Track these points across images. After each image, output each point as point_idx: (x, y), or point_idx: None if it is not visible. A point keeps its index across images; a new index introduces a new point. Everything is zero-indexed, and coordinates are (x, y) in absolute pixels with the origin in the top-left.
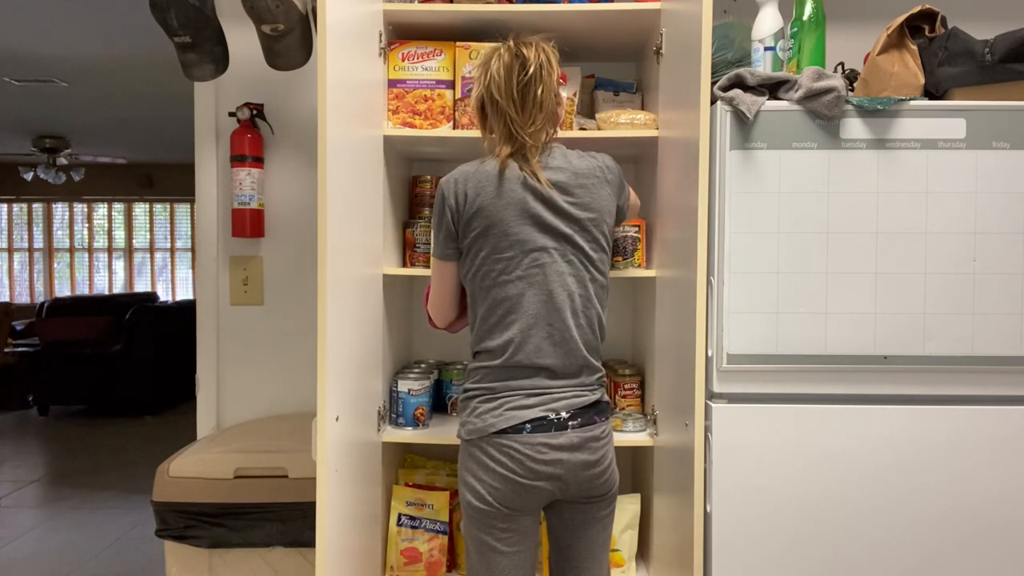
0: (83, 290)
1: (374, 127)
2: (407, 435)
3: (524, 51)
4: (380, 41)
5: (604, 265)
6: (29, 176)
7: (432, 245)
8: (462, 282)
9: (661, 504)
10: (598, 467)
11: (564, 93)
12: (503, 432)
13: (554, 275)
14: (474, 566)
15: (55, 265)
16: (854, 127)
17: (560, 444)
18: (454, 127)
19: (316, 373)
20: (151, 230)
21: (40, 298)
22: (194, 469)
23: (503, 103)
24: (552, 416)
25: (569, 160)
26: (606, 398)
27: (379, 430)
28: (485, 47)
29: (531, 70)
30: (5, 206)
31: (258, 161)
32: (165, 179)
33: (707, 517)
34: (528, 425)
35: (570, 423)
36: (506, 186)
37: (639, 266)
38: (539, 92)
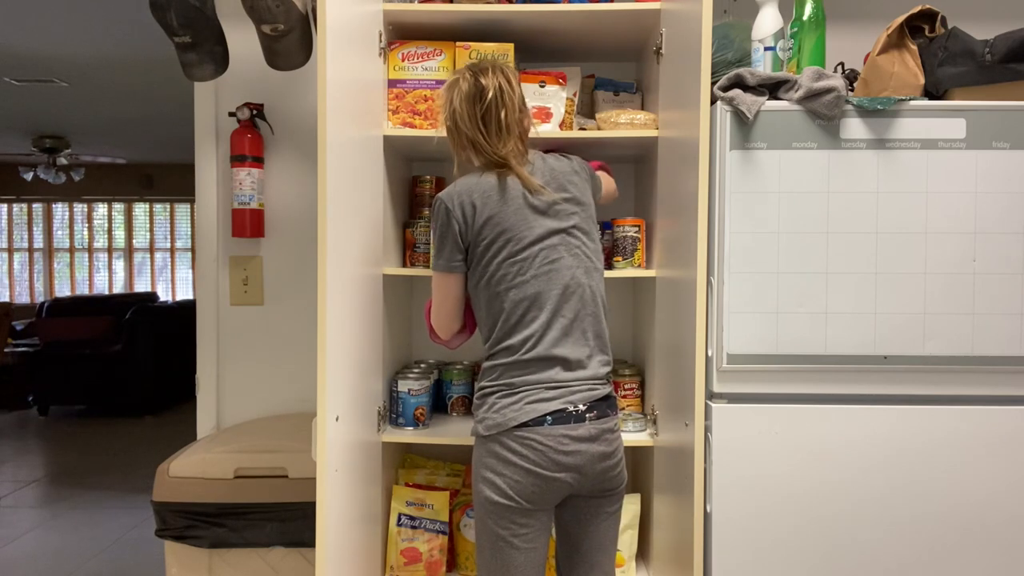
0: (83, 290)
1: (374, 127)
2: (407, 435)
3: (481, 80)
4: (380, 41)
5: (600, 256)
6: (29, 176)
7: (434, 260)
8: (470, 291)
9: (661, 504)
10: (613, 459)
11: (564, 93)
12: (524, 425)
13: (565, 269)
14: (487, 563)
15: (55, 265)
16: (854, 127)
17: (579, 435)
18: None
19: (316, 373)
20: (151, 230)
21: (40, 298)
22: (194, 469)
23: (470, 133)
24: (571, 408)
25: (548, 164)
26: (613, 392)
27: (379, 430)
28: (485, 47)
29: (489, 96)
30: (5, 206)
31: (258, 161)
32: (165, 179)
33: (707, 517)
34: (549, 417)
35: (587, 415)
36: (509, 194)
37: (639, 266)
38: (503, 115)
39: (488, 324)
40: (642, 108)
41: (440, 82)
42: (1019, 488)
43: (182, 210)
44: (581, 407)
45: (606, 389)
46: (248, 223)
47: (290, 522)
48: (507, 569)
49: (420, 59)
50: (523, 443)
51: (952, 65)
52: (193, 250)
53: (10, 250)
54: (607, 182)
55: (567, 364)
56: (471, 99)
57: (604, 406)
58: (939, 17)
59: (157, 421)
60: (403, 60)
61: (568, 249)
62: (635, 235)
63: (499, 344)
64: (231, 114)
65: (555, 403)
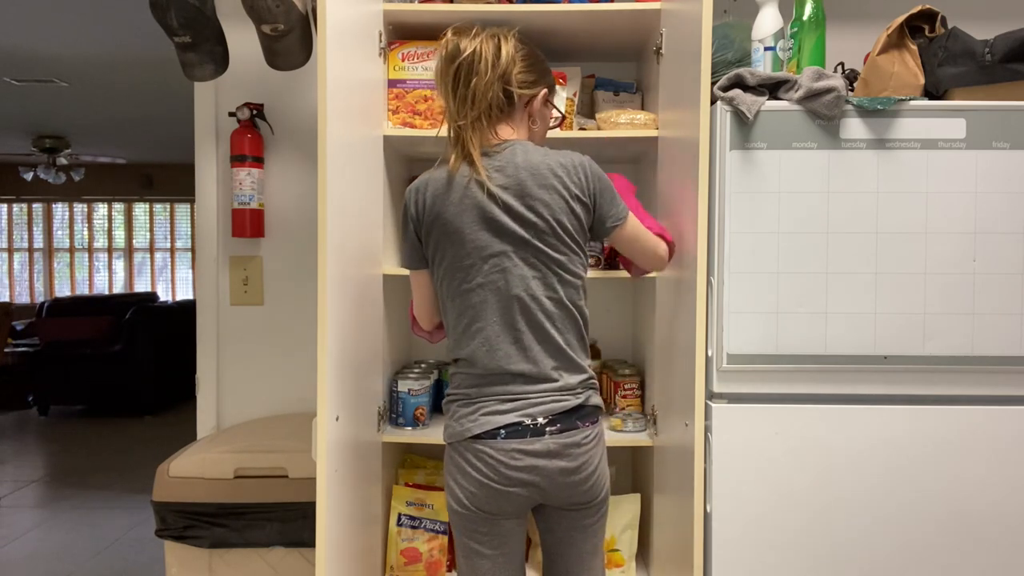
0: (83, 290)
1: (374, 127)
2: (407, 435)
3: (462, 43)
4: (380, 41)
5: (575, 264)
6: (29, 176)
7: (399, 255)
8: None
9: (661, 504)
10: (579, 474)
11: (564, 93)
12: (478, 437)
13: (516, 280)
14: (461, 567)
15: (55, 265)
16: (854, 127)
17: (535, 450)
18: None
19: (316, 373)
20: (151, 230)
21: (40, 298)
22: (194, 469)
23: (442, 95)
24: (528, 422)
25: (528, 158)
26: (594, 401)
27: (379, 430)
28: None
29: (460, 60)
30: (5, 206)
31: (258, 161)
32: (165, 179)
33: (707, 517)
34: (503, 431)
35: (547, 429)
36: (460, 191)
37: None
38: (472, 83)
39: (446, 328)
40: (642, 108)
41: None
42: (1020, 488)
43: (182, 210)
44: (541, 420)
45: (577, 400)
46: (248, 223)
47: (290, 522)
48: (475, 574)
49: (420, 59)
50: (477, 455)
51: (952, 65)
52: (193, 250)
53: (10, 250)
54: (636, 235)
55: (527, 379)
56: (447, 60)
57: (573, 418)
58: (939, 17)
59: (157, 421)
60: (403, 60)
61: (524, 257)
62: None
63: (454, 352)
64: (231, 114)
65: (511, 416)
